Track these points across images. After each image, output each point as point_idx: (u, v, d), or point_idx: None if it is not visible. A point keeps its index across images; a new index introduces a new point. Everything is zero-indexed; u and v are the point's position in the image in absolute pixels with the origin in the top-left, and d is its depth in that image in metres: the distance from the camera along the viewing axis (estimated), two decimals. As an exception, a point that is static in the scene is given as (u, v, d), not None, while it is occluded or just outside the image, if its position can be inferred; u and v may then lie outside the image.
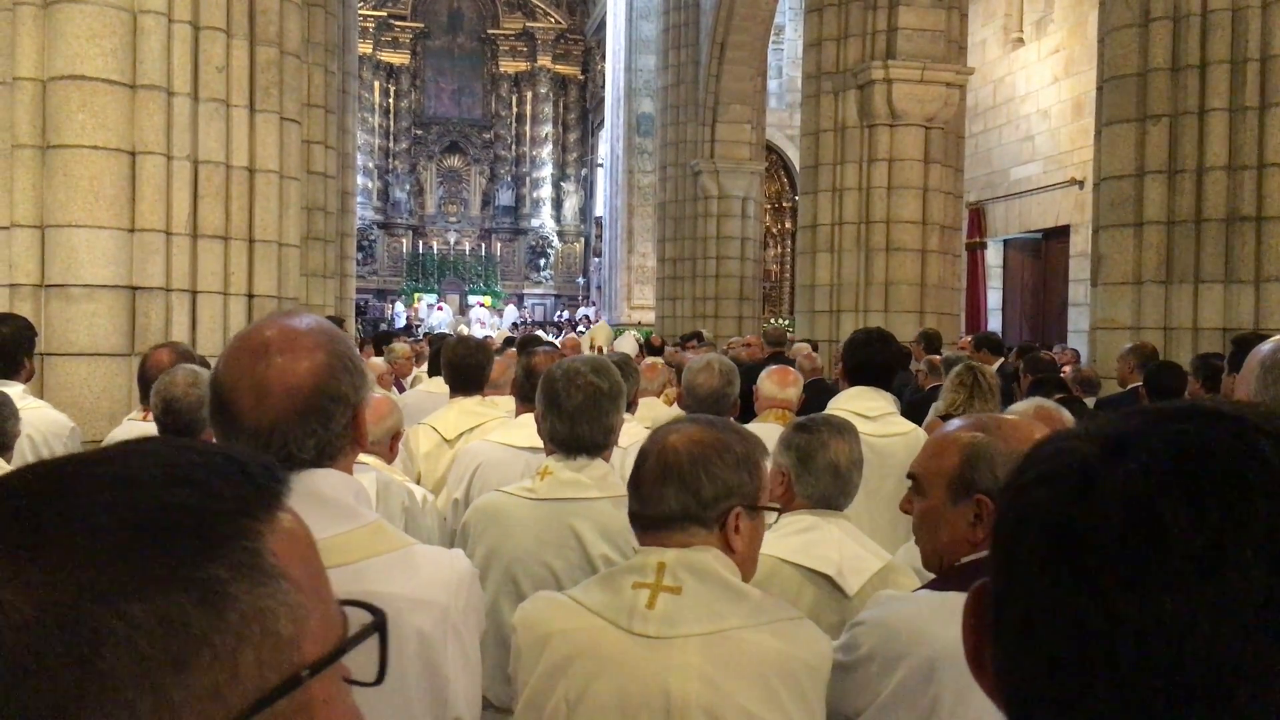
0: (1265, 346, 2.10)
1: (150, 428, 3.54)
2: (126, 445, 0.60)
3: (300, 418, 1.51)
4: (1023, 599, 0.59)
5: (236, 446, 0.64)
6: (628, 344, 11.99)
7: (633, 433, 3.63)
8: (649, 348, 10.99)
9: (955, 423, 2.09)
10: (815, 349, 10.01)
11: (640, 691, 1.75)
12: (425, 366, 9.34)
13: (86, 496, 0.55)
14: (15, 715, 0.49)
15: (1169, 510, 0.55)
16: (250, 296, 6.12)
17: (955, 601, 1.81)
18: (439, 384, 4.89)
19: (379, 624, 0.63)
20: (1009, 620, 0.60)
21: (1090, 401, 6.44)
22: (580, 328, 22.08)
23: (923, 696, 1.83)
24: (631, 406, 4.13)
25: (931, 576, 2.30)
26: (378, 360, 7.36)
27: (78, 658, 0.49)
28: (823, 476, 2.58)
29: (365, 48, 28.22)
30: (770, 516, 2.01)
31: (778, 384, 4.30)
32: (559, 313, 31.62)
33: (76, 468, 0.58)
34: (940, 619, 1.84)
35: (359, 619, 0.63)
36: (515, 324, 26.59)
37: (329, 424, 1.53)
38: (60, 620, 0.50)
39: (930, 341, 9.04)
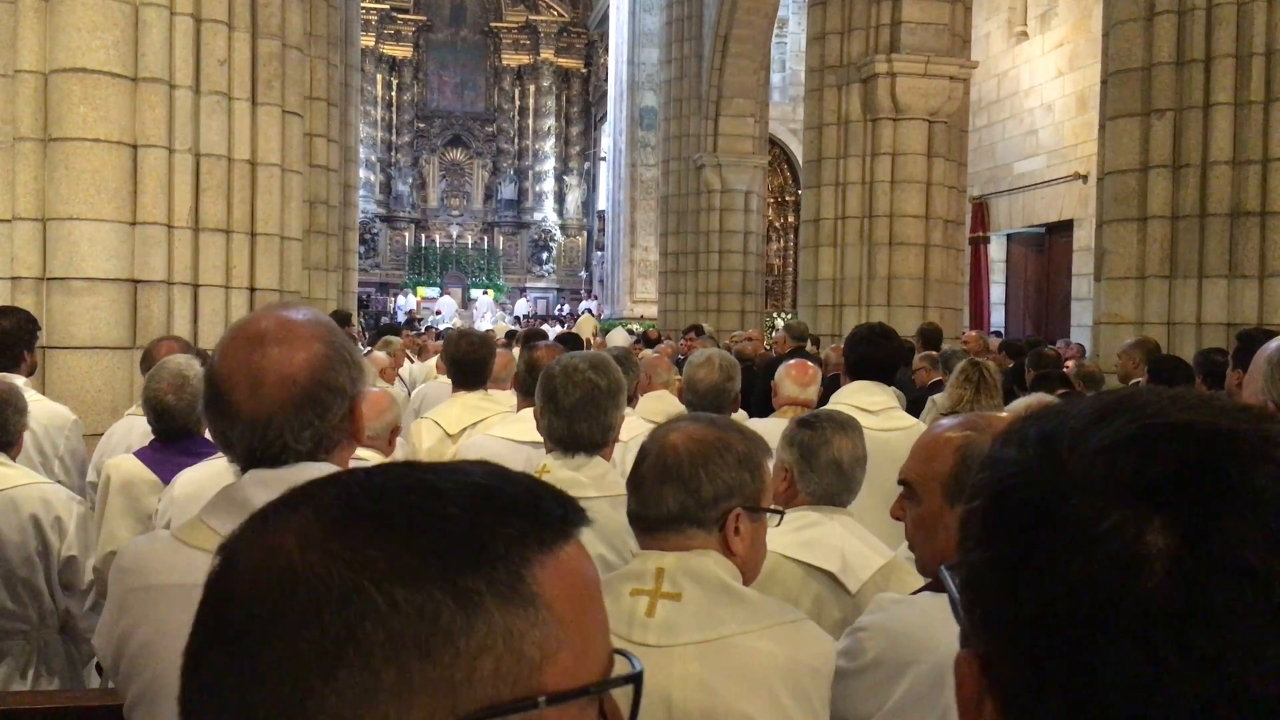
0: (1273, 344, 2.09)
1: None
2: (460, 464, 0.70)
3: (296, 409, 1.49)
4: (1106, 686, 0.56)
5: (543, 483, 0.70)
6: (619, 337, 11.95)
7: (635, 427, 3.61)
8: (645, 341, 10.97)
9: (944, 423, 2.05)
10: (816, 344, 10.00)
11: (642, 702, 1.72)
12: (428, 360, 9.35)
13: (400, 497, 0.64)
14: (290, 651, 0.58)
15: (1260, 563, 0.53)
16: (252, 290, 6.11)
17: None
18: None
19: (636, 678, 0.69)
20: (1085, 708, 0.57)
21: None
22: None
23: (934, 704, 1.80)
24: (631, 401, 4.11)
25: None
26: (380, 355, 7.35)
27: (345, 622, 0.58)
28: (826, 473, 2.57)
29: (368, 41, 28.19)
30: (773, 518, 1.98)
31: (797, 383, 4.28)
32: (560, 306, 31.62)
33: (404, 472, 0.68)
34: (947, 623, 1.81)
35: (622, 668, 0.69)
36: (519, 318, 26.58)
37: (325, 415, 1.52)
38: (342, 588, 0.59)
39: (928, 338, 9.01)
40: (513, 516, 0.65)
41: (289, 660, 0.58)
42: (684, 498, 1.81)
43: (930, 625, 1.85)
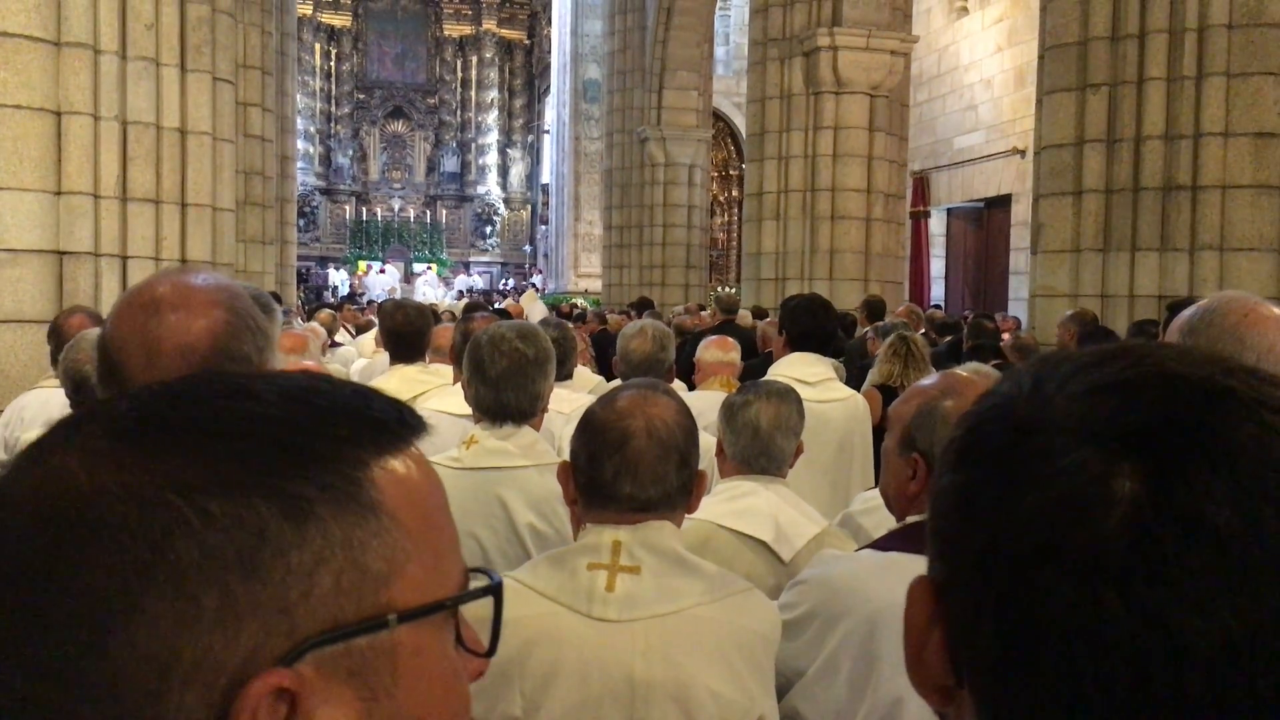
0: (1186, 312, 2.12)
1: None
2: (279, 371, 0.63)
3: None
4: (1042, 627, 0.54)
5: (374, 389, 0.63)
6: (537, 311, 11.92)
7: (580, 402, 3.59)
8: (559, 315, 10.98)
9: (937, 376, 2.10)
10: (763, 316, 10.05)
11: (603, 678, 1.69)
12: (368, 334, 9.22)
13: (204, 403, 0.57)
14: (83, 584, 0.50)
15: (1221, 520, 0.52)
16: (183, 262, 5.98)
17: (898, 561, 1.84)
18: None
19: (494, 590, 0.63)
20: (1020, 645, 0.56)
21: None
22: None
23: (863, 655, 1.83)
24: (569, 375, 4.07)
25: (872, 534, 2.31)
26: (318, 325, 7.26)
27: (150, 541, 0.51)
28: (741, 435, 2.57)
29: (305, 9, 27.65)
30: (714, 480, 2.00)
31: (721, 350, 4.31)
32: (504, 281, 31.42)
33: (210, 379, 0.60)
34: (882, 577, 1.84)
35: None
36: (462, 291, 26.37)
37: None
38: (141, 503, 0.51)
39: (873, 309, 9.09)
40: (340, 417, 0.58)
41: (83, 596, 0.50)
42: (684, 472, 1.81)
43: (865, 579, 1.87)
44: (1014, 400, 0.60)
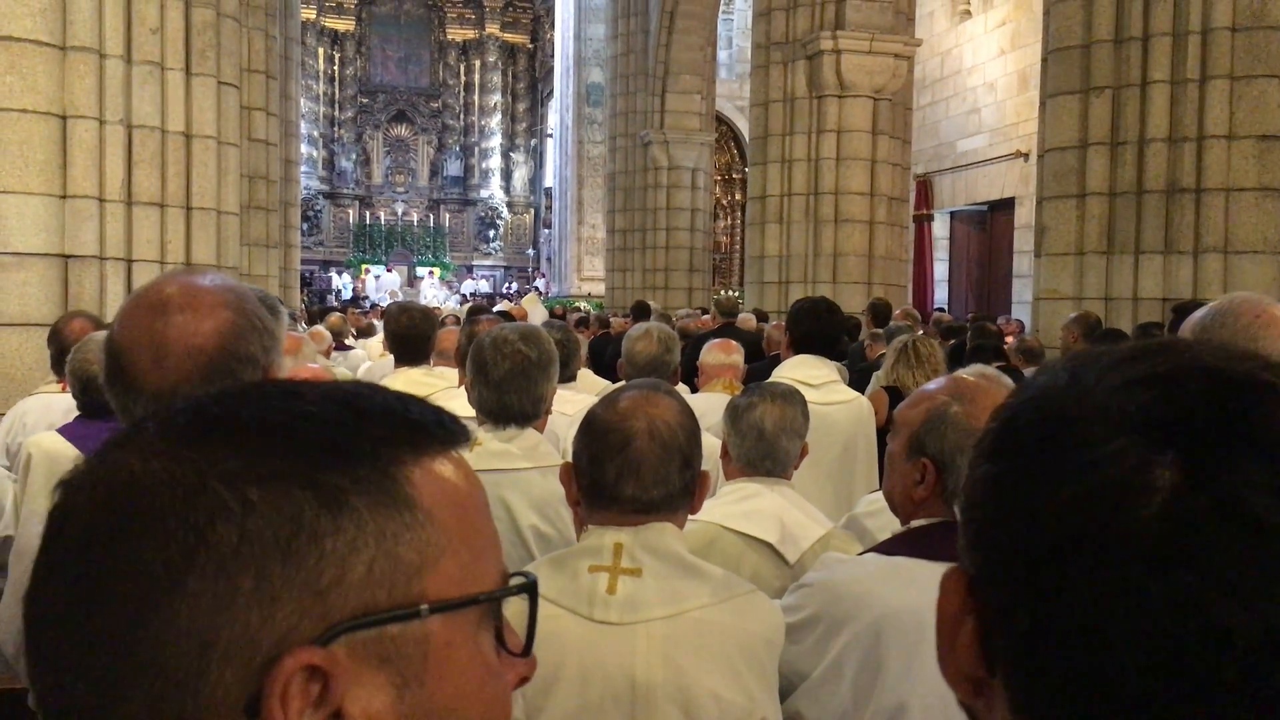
0: (1198, 313, 2.14)
1: (67, 399, 3.42)
2: (325, 380, 0.67)
3: (204, 380, 1.40)
4: (1077, 615, 0.54)
5: (415, 396, 0.67)
6: (539, 314, 11.96)
7: (584, 403, 3.59)
8: (553, 318, 11.00)
9: (942, 380, 2.10)
10: (766, 319, 10.05)
11: (604, 681, 1.69)
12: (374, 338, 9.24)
13: (252, 403, 0.61)
14: (132, 564, 0.55)
15: (1262, 508, 0.51)
16: (188, 265, 5.99)
17: (903, 566, 1.83)
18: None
19: (529, 588, 0.66)
20: (1055, 633, 0.56)
21: (1031, 372, 6.52)
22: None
23: (869, 660, 1.83)
24: (573, 377, 4.08)
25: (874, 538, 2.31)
26: (321, 329, 7.27)
27: (193, 526, 0.55)
28: (747, 437, 2.58)
29: (308, 13, 27.66)
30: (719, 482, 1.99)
31: (723, 351, 4.32)
32: (507, 284, 31.44)
33: (261, 385, 0.66)
34: (887, 582, 1.84)
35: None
36: (465, 296, 26.40)
37: None
38: (186, 491, 0.56)
39: (879, 313, 9.09)
40: (378, 418, 0.62)
41: (133, 576, 0.55)
42: (687, 473, 1.81)
43: (871, 583, 1.87)
44: (1051, 392, 0.61)
